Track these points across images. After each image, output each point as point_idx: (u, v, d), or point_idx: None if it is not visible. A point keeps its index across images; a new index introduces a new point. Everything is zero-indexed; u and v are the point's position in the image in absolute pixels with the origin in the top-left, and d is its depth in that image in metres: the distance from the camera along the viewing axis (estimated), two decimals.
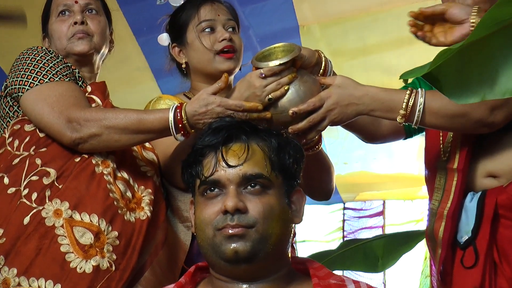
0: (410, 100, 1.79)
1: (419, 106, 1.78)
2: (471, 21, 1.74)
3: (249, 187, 1.54)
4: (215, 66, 2.20)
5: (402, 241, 3.25)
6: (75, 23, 2.17)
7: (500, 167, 1.86)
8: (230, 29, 2.24)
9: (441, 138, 1.96)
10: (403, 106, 1.78)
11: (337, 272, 1.71)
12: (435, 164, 1.98)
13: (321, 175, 2.16)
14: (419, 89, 1.81)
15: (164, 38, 2.33)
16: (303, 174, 1.67)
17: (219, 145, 1.56)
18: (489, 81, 1.47)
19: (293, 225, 1.61)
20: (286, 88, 1.79)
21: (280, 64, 1.79)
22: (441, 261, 1.91)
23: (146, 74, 5.37)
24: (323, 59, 1.92)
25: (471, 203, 1.87)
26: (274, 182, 1.56)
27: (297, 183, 1.62)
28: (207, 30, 2.21)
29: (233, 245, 1.49)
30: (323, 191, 2.21)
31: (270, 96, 1.79)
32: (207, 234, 1.53)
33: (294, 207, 1.60)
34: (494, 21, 1.42)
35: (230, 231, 1.50)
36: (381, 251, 3.20)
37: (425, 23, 1.81)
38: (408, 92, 1.79)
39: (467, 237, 1.87)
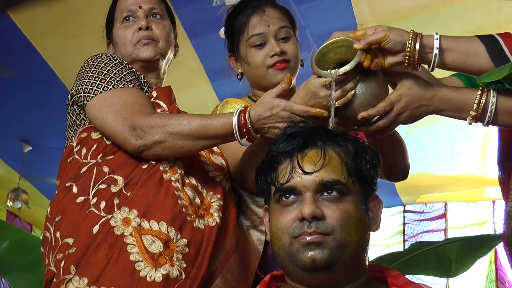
0: (482, 100, 1.73)
1: (491, 106, 1.72)
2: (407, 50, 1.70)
3: (325, 193, 1.49)
4: (268, 79, 2.15)
5: (477, 245, 3.15)
6: (140, 28, 2.16)
7: None
8: (282, 38, 2.16)
9: None
10: (474, 107, 1.72)
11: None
12: (510, 165, 1.90)
13: (393, 151, 2.08)
14: (491, 89, 1.73)
15: (224, 32, 2.29)
16: None
17: (295, 151, 1.52)
18: None
19: (370, 232, 1.56)
20: (352, 93, 1.73)
21: (344, 73, 1.72)
22: None
23: (201, 77, 5.37)
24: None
25: None
26: (351, 189, 1.51)
27: (374, 190, 1.58)
28: (257, 44, 2.16)
29: (311, 253, 1.45)
30: (399, 168, 2.13)
31: (337, 104, 1.74)
32: (284, 242, 1.49)
33: (371, 214, 1.56)
34: None
35: (307, 238, 1.45)
36: (454, 255, 3.11)
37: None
38: (479, 92, 1.73)
39: None
